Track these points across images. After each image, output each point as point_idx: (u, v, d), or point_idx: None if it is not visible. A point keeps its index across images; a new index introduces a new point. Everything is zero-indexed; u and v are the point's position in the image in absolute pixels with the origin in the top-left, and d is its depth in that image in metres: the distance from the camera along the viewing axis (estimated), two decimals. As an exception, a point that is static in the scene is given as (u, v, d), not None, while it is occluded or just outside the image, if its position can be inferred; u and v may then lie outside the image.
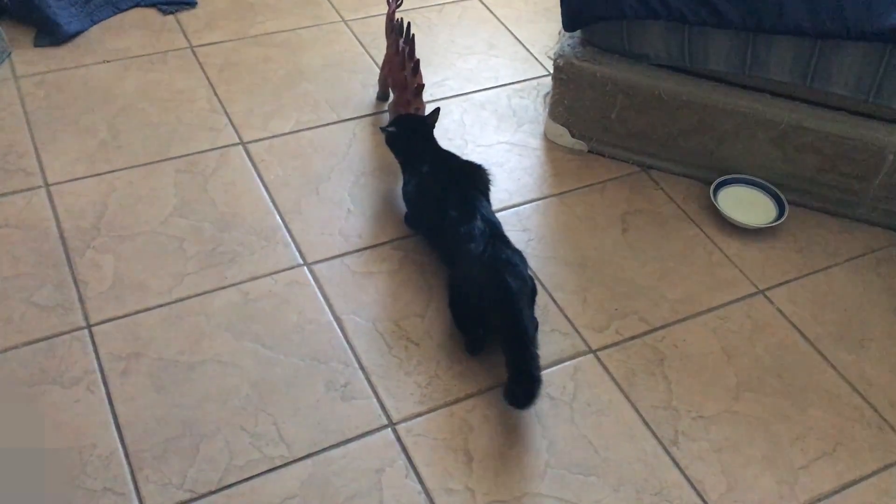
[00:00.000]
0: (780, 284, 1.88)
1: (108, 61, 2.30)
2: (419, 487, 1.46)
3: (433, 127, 1.93)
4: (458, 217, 1.72)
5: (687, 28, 1.90)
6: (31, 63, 2.27)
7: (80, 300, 1.70)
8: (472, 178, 1.85)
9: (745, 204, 2.02)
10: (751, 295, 1.85)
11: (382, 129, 1.90)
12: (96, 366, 1.59)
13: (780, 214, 1.99)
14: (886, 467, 1.56)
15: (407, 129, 1.91)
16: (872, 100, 1.87)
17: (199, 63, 2.32)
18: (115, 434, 1.49)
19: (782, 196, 2.01)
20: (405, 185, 1.88)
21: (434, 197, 1.79)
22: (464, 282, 1.67)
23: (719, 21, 1.84)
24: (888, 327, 1.80)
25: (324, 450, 1.50)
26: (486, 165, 1.88)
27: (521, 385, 1.52)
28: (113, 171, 1.98)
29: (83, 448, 1.47)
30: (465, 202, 1.76)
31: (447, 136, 2.17)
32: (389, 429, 1.54)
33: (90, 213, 1.88)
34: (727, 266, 1.91)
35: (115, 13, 2.45)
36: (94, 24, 2.41)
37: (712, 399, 1.64)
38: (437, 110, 1.93)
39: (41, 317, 1.66)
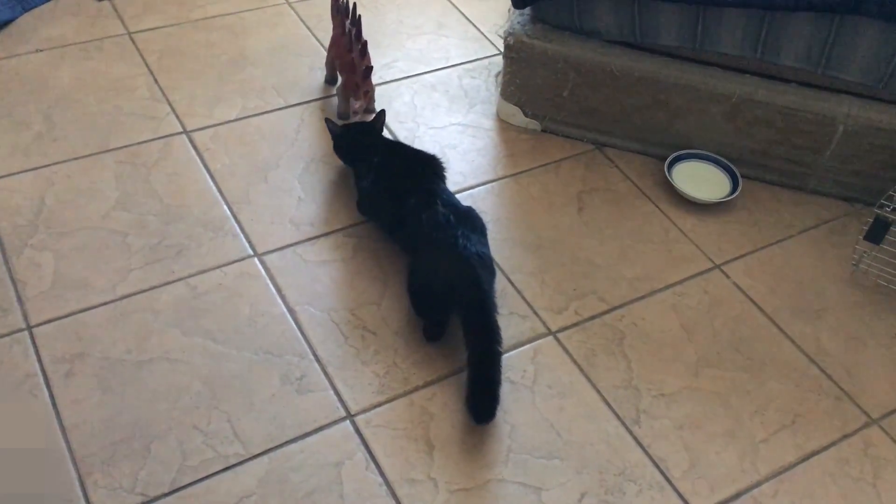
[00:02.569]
0: (736, 259, 1.88)
1: (41, 50, 2.20)
2: (380, 479, 1.43)
3: (381, 132, 1.90)
4: (418, 204, 1.68)
5: (637, 3, 1.88)
6: (-41, 54, 2.17)
7: (19, 301, 1.63)
8: (427, 167, 1.82)
9: (700, 179, 2.01)
10: (707, 270, 1.85)
11: (328, 123, 1.88)
12: (38, 369, 1.53)
13: (734, 188, 1.98)
14: (845, 437, 1.57)
15: (353, 136, 1.88)
16: (822, 71, 1.87)
17: (138, 50, 2.24)
18: (61, 439, 1.43)
19: (736, 170, 2.01)
20: (360, 179, 1.84)
21: (390, 186, 1.76)
22: (430, 271, 1.63)
23: (669, -6, 1.83)
24: (843, 297, 1.82)
25: (281, 445, 1.46)
26: (438, 153, 1.86)
27: (485, 401, 1.49)
28: (50, 165, 1.90)
29: (27, 454, 1.40)
30: (422, 188, 1.73)
31: (398, 118, 2.13)
32: (348, 421, 1.51)
33: (27, 210, 1.80)
34: (683, 242, 1.90)
35: (48, 0, 2.35)
36: (26, 11, 2.31)
37: (672, 376, 1.64)
38: (382, 112, 1.89)
39: (-22, 320, 1.59)
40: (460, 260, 1.58)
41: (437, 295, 1.61)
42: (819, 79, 1.90)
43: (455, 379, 1.58)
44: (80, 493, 1.37)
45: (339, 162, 1.95)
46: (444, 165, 1.85)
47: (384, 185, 1.78)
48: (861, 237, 1.80)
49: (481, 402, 1.50)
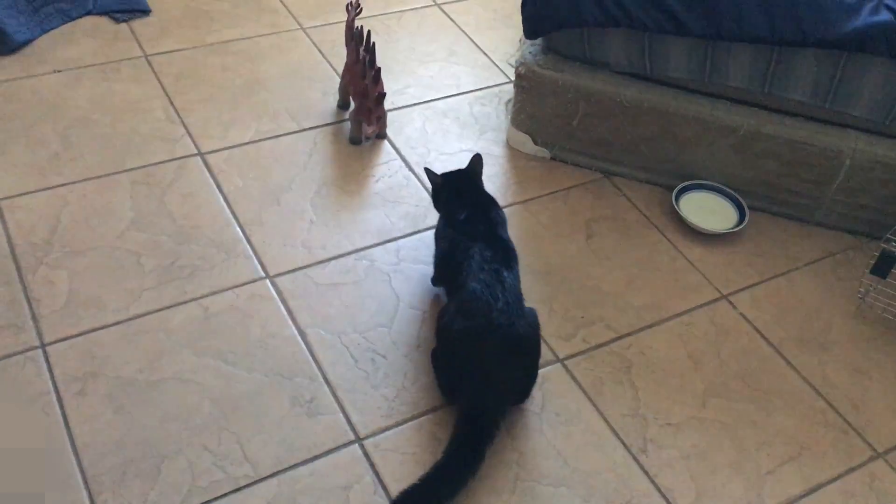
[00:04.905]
0: (743, 289, 1.89)
1: (59, 71, 2.23)
2: (388, 504, 1.44)
3: (479, 176, 1.79)
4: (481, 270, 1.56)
5: (647, 35, 1.91)
6: (-23, 73, 2.20)
7: (34, 318, 1.65)
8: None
9: (707, 210, 2.03)
10: (714, 300, 1.86)
11: (428, 173, 1.76)
12: (51, 386, 1.54)
13: (741, 220, 2.00)
14: (851, 470, 1.58)
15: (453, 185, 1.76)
16: (829, 106, 1.89)
17: (154, 72, 2.27)
18: (73, 457, 1.44)
19: (743, 202, 2.03)
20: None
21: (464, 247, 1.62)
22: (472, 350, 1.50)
23: (678, 28, 1.86)
24: (848, 330, 1.83)
25: (290, 468, 1.47)
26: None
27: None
28: (66, 185, 1.93)
29: (39, 472, 1.41)
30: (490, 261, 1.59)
31: (409, 144, 2.15)
32: (357, 444, 1.52)
33: (42, 228, 1.82)
34: (691, 272, 1.92)
35: (66, 21, 2.39)
36: (45, 32, 2.34)
37: (679, 405, 1.64)
38: (478, 157, 1.77)
39: (-8, 337, 1.61)
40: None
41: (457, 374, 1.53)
42: (826, 113, 1.92)
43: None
44: (90, 512, 1.38)
45: (352, 187, 1.98)
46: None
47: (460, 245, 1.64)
48: (867, 271, 1.82)
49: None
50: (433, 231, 1.82)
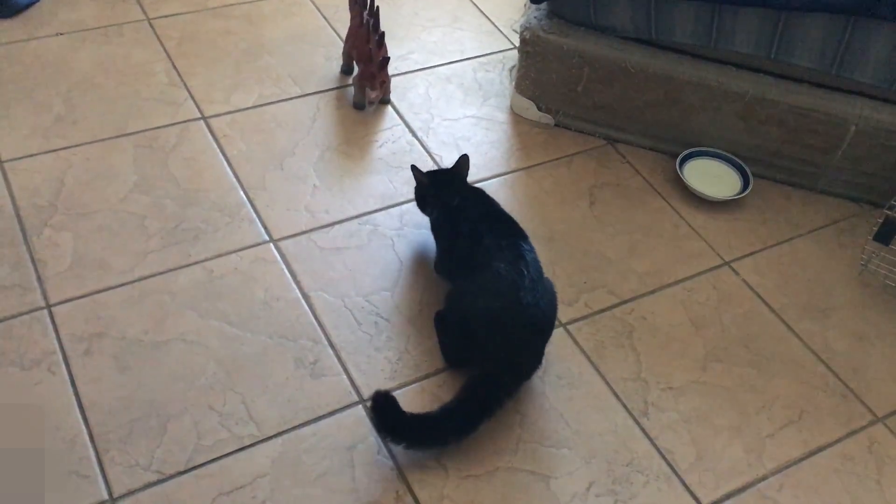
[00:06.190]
0: (746, 256, 1.89)
1: (61, 34, 2.22)
2: (391, 464, 1.45)
3: (465, 175, 1.77)
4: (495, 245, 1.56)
5: (653, 0, 1.90)
6: (-21, 35, 2.19)
7: (39, 280, 1.65)
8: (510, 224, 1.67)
9: (711, 176, 2.03)
10: (717, 267, 1.86)
11: (414, 170, 1.72)
12: (57, 346, 1.55)
13: (745, 187, 2.00)
14: (850, 434, 1.59)
15: (436, 183, 1.73)
16: (835, 72, 1.88)
17: (157, 36, 2.26)
18: (79, 416, 1.46)
19: (747, 168, 2.03)
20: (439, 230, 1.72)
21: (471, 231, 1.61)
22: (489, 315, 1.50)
23: (685, -8, 1.84)
24: (850, 297, 1.83)
25: (294, 428, 1.48)
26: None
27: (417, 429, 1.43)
28: (69, 147, 1.92)
29: (46, 431, 1.43)
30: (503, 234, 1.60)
31: (413, 110, 2.15)
32: (360, 405, 1.53)
33: (46, 191, 1.82)
34: (693, 238, 1.92)
35: (68, -16, 2.37)
36: (46, -5, 2.33)
37: (681, 370, 1.66)
38: (465, 157, 1.75)
39: (-2, 297, 1.62)
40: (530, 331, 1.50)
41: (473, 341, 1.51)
42: (832, 79, 1.91)
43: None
44: (97, 470, 1.39)
45: (355, 152, 1.97)
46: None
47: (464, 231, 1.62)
48: (870, 238, 1.82)
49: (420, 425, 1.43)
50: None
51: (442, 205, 1.71)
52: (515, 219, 1.67)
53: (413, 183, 1.80)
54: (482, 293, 1.51)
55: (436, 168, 1.80)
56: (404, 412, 1.42)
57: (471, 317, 1.51)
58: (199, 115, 2.05)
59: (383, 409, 1.41)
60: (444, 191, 1.71)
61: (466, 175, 1.77)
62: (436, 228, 1.74)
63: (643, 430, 1.55)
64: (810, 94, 1.92)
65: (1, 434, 1.42)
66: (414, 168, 1.73)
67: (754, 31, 1.88)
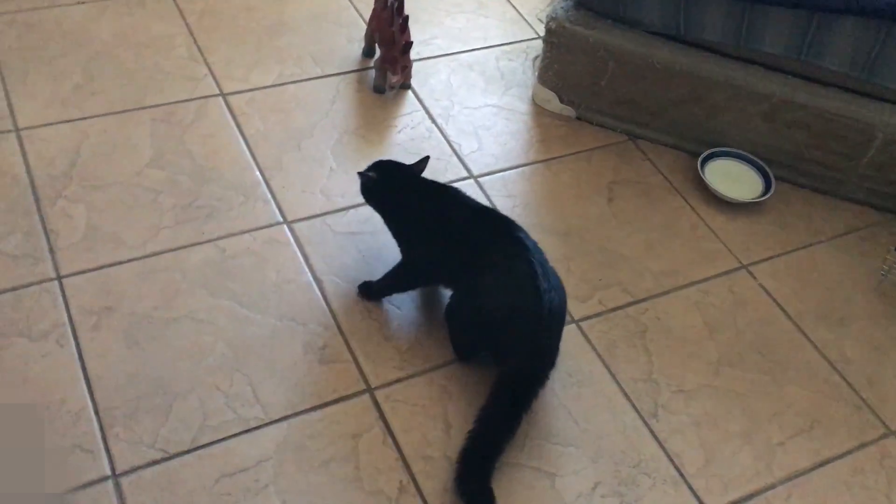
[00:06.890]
0: (764, 260, 1.87)
1: (83, 2, 2.20)
2: (396, 454, 1.44)
3: (420, 173, 1.64)
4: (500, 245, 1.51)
5: (684, -5, 1.86)
6: (1, 1, 2.17)
7: (51, 250, 1.65)
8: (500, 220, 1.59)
9: (732, 178, 2.00)
10: (734, 270, 1.84)
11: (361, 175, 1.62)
12: (66, 319, 1.54)
13: (767, 190, 1.97)
14: (862, 446, 1.57)
15: (388, 177, 1.62)
16: (866, 77, 1.85)
17: (179, 9, 2.23)
18: (85, 390, 1.45)
19: (769, 171, 1.99)
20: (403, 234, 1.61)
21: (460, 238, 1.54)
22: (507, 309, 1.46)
23: (717, -11, 1.81)
24: (869, 306, 1.81)
25: (300, 413, 1.47)
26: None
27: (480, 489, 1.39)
28: (86, 118, 1.91)
29: (51, 403, 1.42)
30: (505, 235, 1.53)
31: (434, 96, 2.12)
32: (367, 394, 1.52)
33: (62, 161, 1.81)
34: (711, 240, 1.89)
35: (91, -47, 2.35)
36: (69, -37, 2.31)
37: (692, 373, 1.64)
38: (426, 158, 1.63)
39: (8, 266, 1.60)
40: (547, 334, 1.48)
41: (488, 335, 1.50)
42: (861, 85, 1.87)
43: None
44: (101, 445, 1.39)
45: (373, 136, 1.95)
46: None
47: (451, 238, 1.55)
48: (892, 248, 1.79)
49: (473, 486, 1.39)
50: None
51: (402, 206, 1.60)
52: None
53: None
54: (499, 289, 1.48)
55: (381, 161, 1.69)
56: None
57: (491, 315, 1.48)
58: (217, 92, 2.03)
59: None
60: (402, 187, 1.61)
61: (421, 173, 1.63)
62: (404, 236, 1.61)
63: (652, 431, 1.54)
64: (838, 98, 1.89)
65: (5, 405, 1.42)
66: (360, 174, 1.61)
67: (785, 32, 1.84)
